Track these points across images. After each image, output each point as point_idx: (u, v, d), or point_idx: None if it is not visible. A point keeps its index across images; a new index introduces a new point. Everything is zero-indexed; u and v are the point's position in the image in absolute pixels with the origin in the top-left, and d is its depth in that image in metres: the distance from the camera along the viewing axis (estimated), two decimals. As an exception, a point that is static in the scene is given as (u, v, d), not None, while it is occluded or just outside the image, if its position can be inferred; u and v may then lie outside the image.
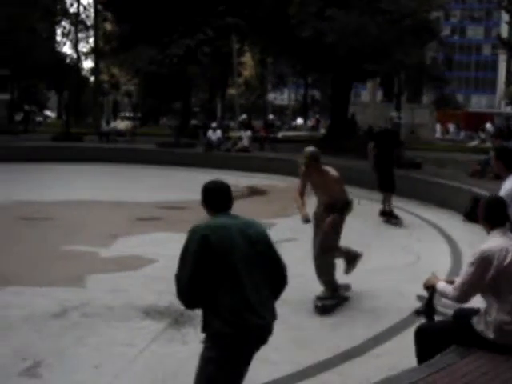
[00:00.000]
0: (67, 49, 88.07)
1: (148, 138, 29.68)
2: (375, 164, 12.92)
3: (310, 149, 7.34)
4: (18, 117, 43.62)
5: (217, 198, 3.87)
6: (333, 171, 7.41)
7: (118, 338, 5.97)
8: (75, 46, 52.61)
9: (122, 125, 31.69)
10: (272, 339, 5.78)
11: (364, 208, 14.27)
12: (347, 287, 7.57)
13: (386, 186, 12.92)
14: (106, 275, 7.14)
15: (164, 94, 32.97)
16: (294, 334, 6.12)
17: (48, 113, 68.66)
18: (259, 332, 3.68)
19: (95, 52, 48.68)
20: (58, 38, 55.17)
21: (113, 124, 32.17)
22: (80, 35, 53.54)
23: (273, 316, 3.77)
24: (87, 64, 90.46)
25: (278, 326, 6.16)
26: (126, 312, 6.66)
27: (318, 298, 7.18)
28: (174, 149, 24.95)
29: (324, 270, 7.33)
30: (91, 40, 53.00)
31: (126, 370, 5.27)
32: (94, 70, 51.46)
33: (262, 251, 3.74)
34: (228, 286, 3.57)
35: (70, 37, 53.84)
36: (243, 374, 3.73)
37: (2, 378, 5.11)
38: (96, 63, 49.91)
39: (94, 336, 6.05)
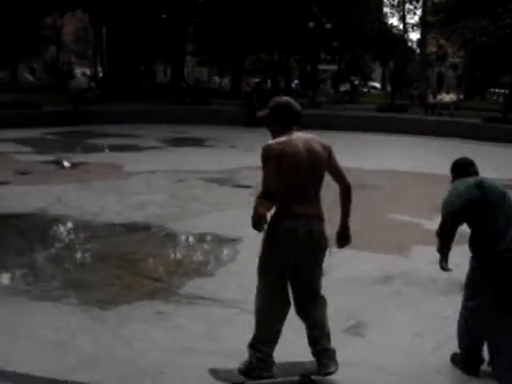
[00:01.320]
0: (394, 20, 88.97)
1: (473, 112, 28.78)
2: None
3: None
4: (344, 87, 45.46)
5: (465, 169, 4.80)
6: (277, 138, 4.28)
7: (439, 310, 5.98)
8: (403, 18, 52.69)
9: (447, 98, 31.23)
10: None
11: None
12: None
13: None
14: (430, 247, 7.12)
15: (492, 67, 31.54)
16: None
17: (374, 84, 70.24)
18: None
19: (423, 23, 48.32)
20: (386, 10, 55.84)
21: (439, 97, 31.81)
22: (408, 6, 53.52)
23: None
24: (414, 35, 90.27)
25: None
26: (448, 286, 6.57)
27: None
28: (500, 124, 23.79)
29: (256, 312, 4.46)
30: (419, 11, 52.72)
31: (446, 343, 5.24)
32: (421, 42, 51.17)
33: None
34: (487, 224, 4.47)
35: (399, 8, 54.11)
36: None
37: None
38: (423, 35, 49.56)
39: (415, 305, 6.15)
